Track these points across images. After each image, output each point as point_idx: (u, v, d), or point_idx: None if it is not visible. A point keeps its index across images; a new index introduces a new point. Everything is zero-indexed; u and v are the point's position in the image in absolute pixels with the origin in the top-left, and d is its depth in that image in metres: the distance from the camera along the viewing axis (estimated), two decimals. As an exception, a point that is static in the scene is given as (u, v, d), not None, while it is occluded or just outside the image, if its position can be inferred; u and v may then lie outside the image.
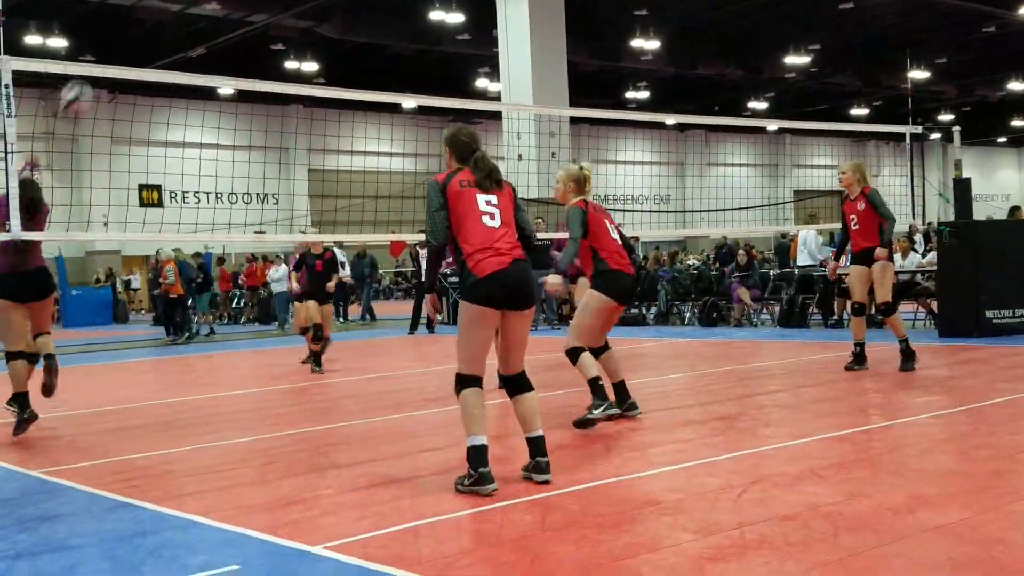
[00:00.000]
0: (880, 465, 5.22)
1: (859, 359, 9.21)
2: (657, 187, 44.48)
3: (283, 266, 18.65)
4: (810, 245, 16.39)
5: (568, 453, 5.92)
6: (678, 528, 4.13)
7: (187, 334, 18.50)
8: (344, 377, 11.10)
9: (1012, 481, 4.76)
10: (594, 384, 6.72)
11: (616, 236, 6.96)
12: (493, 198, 5.09)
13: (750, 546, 3.83)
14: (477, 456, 4.88)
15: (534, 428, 5.08)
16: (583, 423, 6.61)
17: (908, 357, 8.96)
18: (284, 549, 4.09)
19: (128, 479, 5.73)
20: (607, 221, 6.94)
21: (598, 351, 6.99)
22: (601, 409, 6.62)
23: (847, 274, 10.00)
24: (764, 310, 16.41)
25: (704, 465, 5.37)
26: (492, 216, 5.04)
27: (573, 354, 6.79)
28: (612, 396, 6.90)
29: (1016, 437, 5.88)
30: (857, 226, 9.04)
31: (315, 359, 11.44)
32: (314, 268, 11.57)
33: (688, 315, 17.19)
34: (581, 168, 6.99)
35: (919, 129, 16.00)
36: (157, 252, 18.72)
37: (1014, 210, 15.56)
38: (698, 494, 4.70)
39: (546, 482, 4.96)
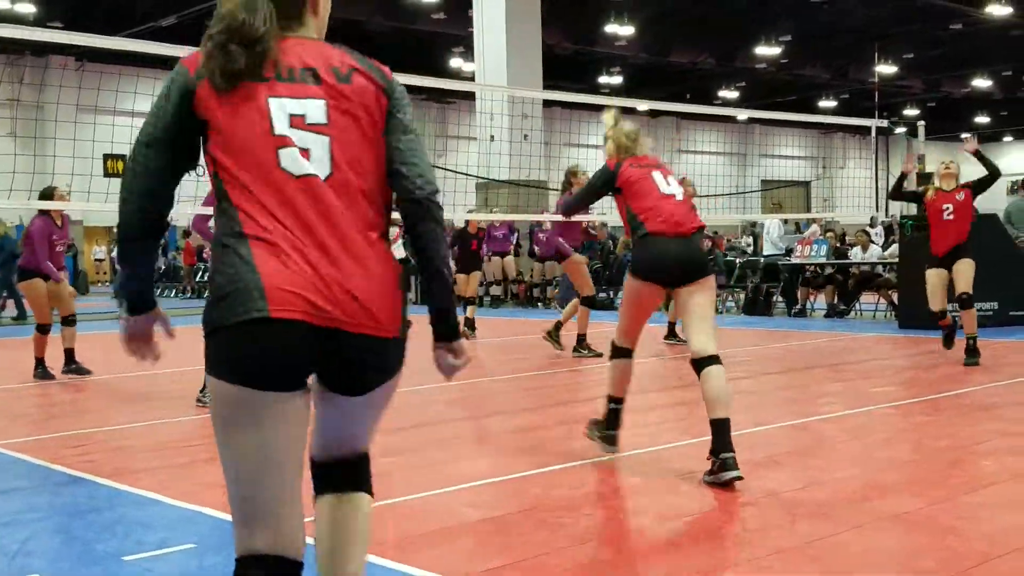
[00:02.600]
0: (838, 453, 5.27)
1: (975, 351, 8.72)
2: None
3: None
4: (773, 234, 16.51)
5: (529, 436, 5.93)
6: (638, 512, 4.15)
7: None
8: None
9: (967, 472, 4.83)
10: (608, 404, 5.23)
11: (671, 189, 5.04)
12: None
13: (709, 531, 3.86)
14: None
15: None
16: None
17: (972, 353, 8.69)
18: (242, 526, 4.06)
19: (84, 453, 5.66)
20: (656, 172, 5.09)
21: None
22: (598, 437, 5.25)
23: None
24: (729, 298, 16.52)
25: (666, 450, 5.40)
26: None
27: (612, 352, 5.27)
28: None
29: (972, 428, 5.97)
30: (952, 215, 8.76)
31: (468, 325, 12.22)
32: (469, 246, 13.10)
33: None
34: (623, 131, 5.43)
35: (885, 123, 16.14)
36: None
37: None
38: (659, 479, 4.72)
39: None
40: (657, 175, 5.02)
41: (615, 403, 5.17)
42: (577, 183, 7.36)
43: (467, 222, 13.79)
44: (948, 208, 8.81)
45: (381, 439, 5.90)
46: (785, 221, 18.80)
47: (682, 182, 5.44)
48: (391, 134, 2.24)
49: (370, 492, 2.53)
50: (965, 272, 8.72)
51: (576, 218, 8.82)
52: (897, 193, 9.69)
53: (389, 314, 2.17)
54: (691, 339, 4.77)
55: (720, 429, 4.56)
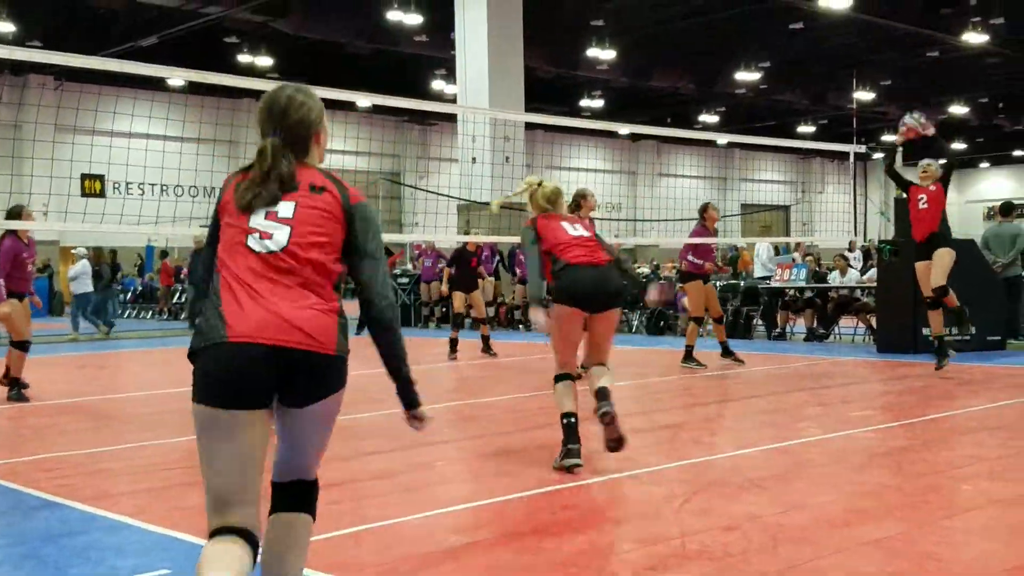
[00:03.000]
0: (819, 478, 5.27)
1: (943, 352, 9.64)
2: (609, 195, 44.70)
3: (82, 262, 17.87)
4: (763, 256, 16.69)
5: (510, 460, 5.90)
6: (620, 537, 4.13)
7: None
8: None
9: (946, 496, 4.84)
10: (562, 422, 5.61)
11: (575, 231, 5.81)
12: None
13: (690, 556, 3.84)
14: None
15: None
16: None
17: (940, 354, 9.63)
18: (219, 551, 4.01)
19: (59, 477, 5.58)
20: (562, 222, 5.88)
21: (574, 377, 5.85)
22: (559, 457, 5.54)
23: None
24: (710, 321, 16.52)
25: (648, 474, 5.38)
26: None
27: (554, 379, 5.76)
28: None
29: (950, 453, 5.99)
30: (926, 204, 9.74)
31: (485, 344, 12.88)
32: (468, 263, 13.13)
33: (636, 323, 17.28)
34: (539, 183, 6.06)
35: (863, 148, 16.28)
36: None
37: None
38: (641, 503, 4.71)
39: None
40: (565, 223, 5.87)
41: (568, 417, 5.58)
42: (587, 206, 7.57)
43: (465, 241, 13.87)
44: (923, 198, 9.83)
45: (362, 462, 5.87)
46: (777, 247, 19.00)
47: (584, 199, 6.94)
48: (353, 254, 2.94)
49: (312, 514, 3.15)
50: (940, 260, 9.61)
51: (708, 241, 11.11)
52: (891, 168, 10.66)
53: (325, 336, 2.75)
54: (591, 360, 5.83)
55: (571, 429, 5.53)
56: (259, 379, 2.71)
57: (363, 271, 2.93)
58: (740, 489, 4.91)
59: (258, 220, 2.85)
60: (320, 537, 4.21)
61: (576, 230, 5.86)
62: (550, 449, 6.19)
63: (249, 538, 2.79)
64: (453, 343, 12.72)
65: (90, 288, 17.95)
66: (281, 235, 2.82)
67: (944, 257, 9.58)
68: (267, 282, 2.76)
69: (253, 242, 2.82)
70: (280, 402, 2.81)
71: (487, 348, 12.92)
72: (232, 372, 2.69)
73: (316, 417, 2.90)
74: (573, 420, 5.56)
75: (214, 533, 2.77)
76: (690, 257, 10.91)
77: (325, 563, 3.84)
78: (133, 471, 5.78)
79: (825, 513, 4.46)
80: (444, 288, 14.27)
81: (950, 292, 9.61)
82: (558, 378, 5.71)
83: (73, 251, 19.34)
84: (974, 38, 26.55)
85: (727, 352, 11.21)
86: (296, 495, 3.10)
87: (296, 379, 2.75)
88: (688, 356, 10.95)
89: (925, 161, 10.14)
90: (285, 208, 2.86)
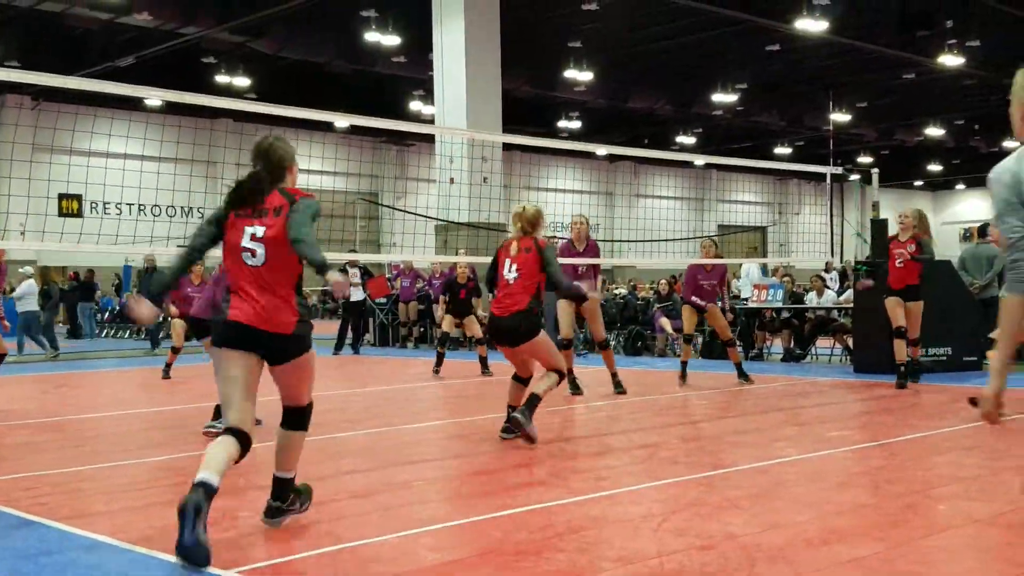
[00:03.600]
0: (796, 497, 5.30)
1: (908, 376, 10.45)
2: (586, 215, 44.90)
3: (28, 282, 17.73)
4: (753, 276, 16.89)
5: (489, 479, 5.90)
6: (598, 556, 4.14)
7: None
8: (263, 396, 10.92)
9: (923, 516, 4.88)
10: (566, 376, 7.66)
11: (506, 272, 7.27)
12: None
13: (668, 575, 3.85)
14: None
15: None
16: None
17: (901, 376, 10.42)
18: (195, 573, 3.98)
19: (36, 496, 5.54)
20: (505, 257, 7.36)
21: (525, 381, 7.46)
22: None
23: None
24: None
25: (626, 493, 5.39)
26: None
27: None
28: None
29: (927, 473, 6.04)
30: (902, 264, 10.44)
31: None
32: (458, 295, 13.59)
33: (613, 343, 17.31)
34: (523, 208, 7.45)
35: (839, 170, 16.45)
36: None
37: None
38: (619, 522, 4.71)
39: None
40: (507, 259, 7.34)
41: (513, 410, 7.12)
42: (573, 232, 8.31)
43: (455, 271, 13.96)
44: (901, 256, 10.47)
45: (340, 482, 5.85)
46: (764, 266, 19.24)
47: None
48: (288, 227, 4.34)
49: (304, 430, 4.72)
50: (915, 314, 10.53)
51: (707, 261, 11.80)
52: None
53: (285, 322, 4.39)
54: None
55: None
56: (244, 340, 4.39)
57: (292, 230, 4.32)
58: (718, 508, 4.92)
59: (246, 241, 4.41)
60: (296, 556, 4.20)
61: (510, 271, 7.23)
62: (529, 469, 6.20)
63: (240, 435, 4.40)
64: (439, 358, 13.18)
65: (35, 307, 17.80)
66: (260, 255, 4.40)
67: (919, 310, 10.51)
68: (255, 287, 4.39)
69: (246, 257, 4.42)
70: (266, 360, 4.47)
71: (485, 369, 12.97)
72: (230, 333, 4.41)
73: (288, 371, 4.50)
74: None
75: (227, 431, 4.42)
76: (694, 298, 11.45)
77: (303, 583, 3.82)
78: (110, 490, 5.73)
79: (803, 532, 4.48)
80: (441, 313, 14.15)
81: (919, 344, 10.74)
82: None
83: (20, 270, 19.13)
84: (950, 60, 26.89)
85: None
86: (291, 417, 4.68)
87: (270, 349, 4.42)
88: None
89: (902, 212, 10.77)
90: (260, 231, 4.40)
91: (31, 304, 17.73)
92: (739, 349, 12.62)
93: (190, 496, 4.04)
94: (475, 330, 13.67)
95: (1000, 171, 3.40)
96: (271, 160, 4.52)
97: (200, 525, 3.97)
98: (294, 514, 4.73)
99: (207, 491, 4.09)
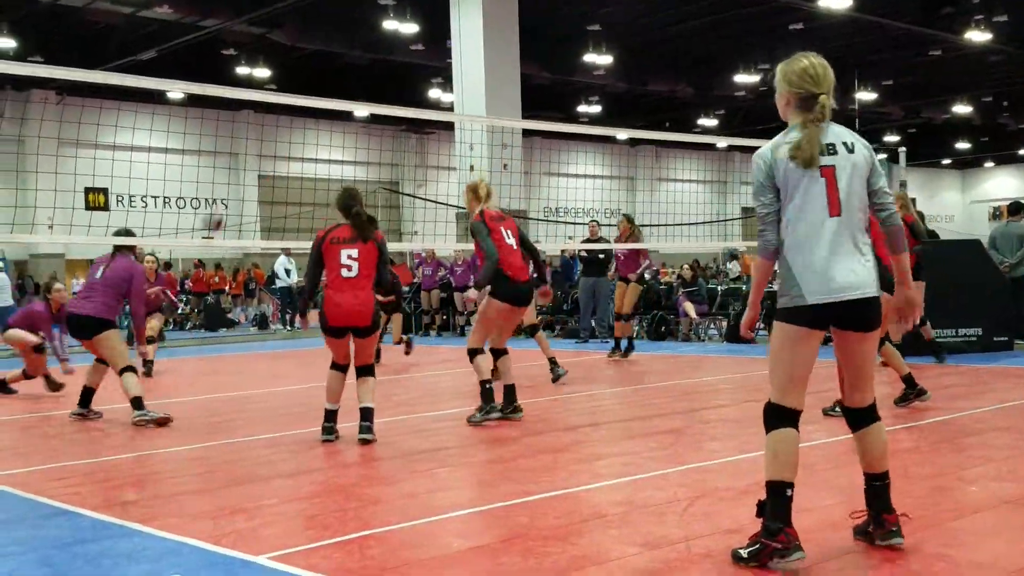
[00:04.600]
0: (824, 480, 5.28)
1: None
2: (607, 200, 44.71)
3: (2, 276, 17.31)
4: None
5: (514, 465, 5.92)
6: (624, 541, 4.14)
7: None
8: (289, 386, 11.00)
9: (954, 498, 4.84)
10: (483, 387, 7.46)
11: (512, 242, 7.60)
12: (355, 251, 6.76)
13: (695, 560, 3.85)
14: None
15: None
16: (471, 421, 7.44)
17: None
18: (226, 559, 4.03)
19: (70, 486, 5.61)
20: (503, 227, 7.62)
21: (498, 353, 7.77)
22: (483, 413, 7.43)
23: None
24: (711, 325, 16.56)
25: (651, 478, 5.39)
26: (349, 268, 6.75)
27: (472, 354, 7.58)
28: (500, 398, 7.58)
29: (956, 455, 5.99)
30: None
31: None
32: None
33: (637, 329, 17.28)
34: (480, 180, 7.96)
35: (865, 149, 16.22)
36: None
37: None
38: (644, 507, 4.71)
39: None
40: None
41: (488, 384, 7.48)
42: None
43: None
44: None
45: (365, 468, 5.88)
46: None
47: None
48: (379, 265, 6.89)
49: (372, 376, 6.93)
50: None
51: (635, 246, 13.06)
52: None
53: (368, 316, 6.78)
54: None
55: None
56: (344, 327, 6.78)
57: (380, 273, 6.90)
58: (744, 493, 4.92)
59: (343, 259, 6.70)
60: (325, 542, 4.23)
61: (510, 238, 7.69)
62: (552, 455, 6.21)
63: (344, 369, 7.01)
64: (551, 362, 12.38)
65: (10, 302, 17.27)
66: (353, 269, 6.72)
67: (920, 291, 10.34)
68: (348, 292, 6.70)
69: (344, 271, 6.69)
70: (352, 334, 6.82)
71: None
72: (332, 323, 6.77)
73: (364, 343, 6.90)
74: (489, 387, 7.48)
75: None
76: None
77: (329, 566, 3.86)
78: (141, 479, 5.80)
79: (831, 516, 4.46)
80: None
81: (927, 323, 10.48)
82: (477, 352, 7.64)
83: None
84: (977, 36, 26.52)
85: (626, 348, 12.74)
86: (361, 369, 6.96)
87: (356, 331, 6.82)
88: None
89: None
90: (354, 252, 6.74)
91: (6, 299, 17.19)
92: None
93: None
94: (530, 317, 13.00)
95: None
96: (360, 207, 6.89)
97: None
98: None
99: None
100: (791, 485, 3.73)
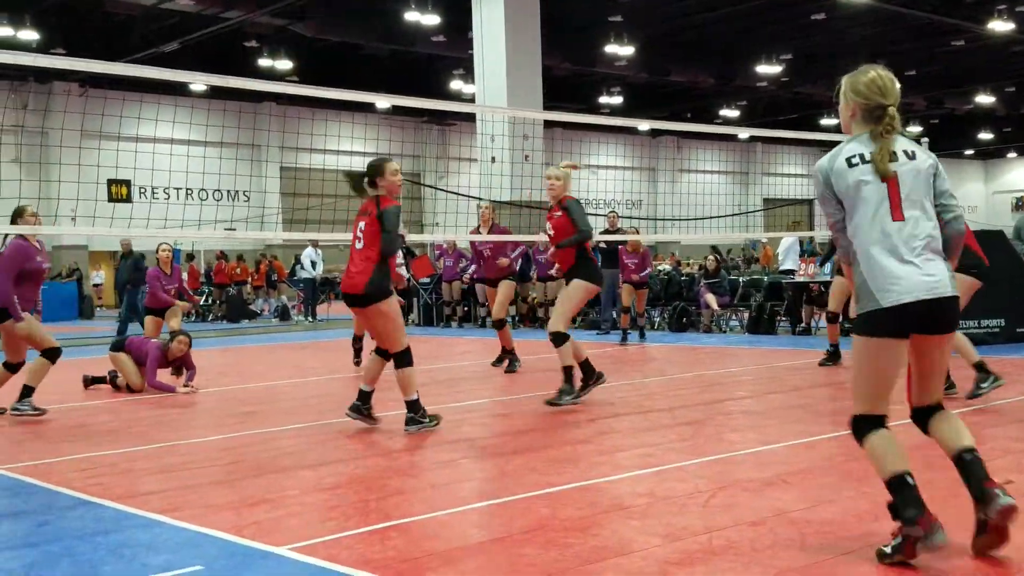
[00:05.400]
0: (846, 472, 5.25)
1: (833, 357, 10.26)
2: (629, 191, 44.62)
3: None
4: (797, 251, 16.99)
5: (535, 456, 5.92)
6: (646, 532, 4.13)
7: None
8: (313, 377, 11.04)
9: (976, 490, 4.79)
10: (567, 372, 7.85)
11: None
12: None
13: (717, 551, 3.84)
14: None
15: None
16: (552, 403, 7.76)
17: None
18: (248, 550, 4.05)
19: (92, 476, 5.65)
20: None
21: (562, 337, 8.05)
22: (571, 398, 7.80)
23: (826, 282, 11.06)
24: (733, 316, 16.51)
25: (672, 470, 5.38)
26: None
27: (561, 339, 7.84)
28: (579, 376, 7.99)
29: (980, 446, 5.90)
30: None
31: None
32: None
33: (658, 320, 17.25)
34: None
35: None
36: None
37: None
38: (666, 499, 4.70)
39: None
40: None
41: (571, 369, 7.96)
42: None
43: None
44: None
45: (387, 458, 5.90)
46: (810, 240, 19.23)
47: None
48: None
49: (401, 364, 6.89)
50: None
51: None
52: None
53: (359, 286, 6.74)
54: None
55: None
56: (346, 295, 6.91)
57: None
58: (766, 484, 4.89)
59: (356, 231, 6.81)
60: (346, 533, 4.25)
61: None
62: (573, 446, 6.21)
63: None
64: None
65: None
66: (361, 241, 6.77)
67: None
68: (352, 263, 6.84)
69: (357, 243, 6.80)
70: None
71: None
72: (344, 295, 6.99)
73: (372, 316, 6.83)
74: (573, 373, 7.98)
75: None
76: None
77: (351, 558, 3.87)
78: (164, 470, 5.84)
79: (854, 508, 4.44)
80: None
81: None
82: (565, 337, 7.97)
83: None
84: (999, 26, 26.26)
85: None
86: (384, 353, 7.00)
87: (348, 300, 6.91)
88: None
89: None
90: (362, 225, 6.80)
91: None
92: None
93: None
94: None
95: None
96: (370, 174, 6.94)
97: None
98: (421, 426, 6.83)
99: None
100: (909, 473, 3.77)
